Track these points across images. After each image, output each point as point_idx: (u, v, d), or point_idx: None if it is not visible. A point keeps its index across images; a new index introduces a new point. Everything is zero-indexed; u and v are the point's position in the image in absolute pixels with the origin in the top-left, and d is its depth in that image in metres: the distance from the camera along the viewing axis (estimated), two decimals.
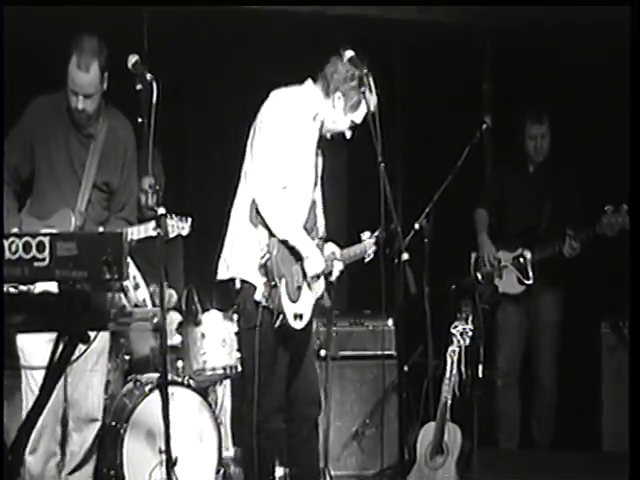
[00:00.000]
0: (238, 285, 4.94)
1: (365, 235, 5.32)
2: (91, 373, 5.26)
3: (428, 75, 7.35)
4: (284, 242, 4.89)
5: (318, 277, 5.04)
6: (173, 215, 5.22)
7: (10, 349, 5.02)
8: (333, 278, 5.17)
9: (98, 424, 5.38)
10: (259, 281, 4.86)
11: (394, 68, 7.06)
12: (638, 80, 5.25)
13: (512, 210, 6.80)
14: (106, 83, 5.03)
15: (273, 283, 4.80)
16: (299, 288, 4.96)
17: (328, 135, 5.13)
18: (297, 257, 4.95)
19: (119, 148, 5.14)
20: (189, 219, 5.37)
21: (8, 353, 4.99)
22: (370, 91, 4.92)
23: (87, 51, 4.94)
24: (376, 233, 5.23)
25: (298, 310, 4.94)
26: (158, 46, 6.43)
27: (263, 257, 4.83)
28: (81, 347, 3.88)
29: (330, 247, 5.17)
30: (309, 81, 5.09)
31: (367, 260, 5.32)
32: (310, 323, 5.08)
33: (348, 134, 5.13)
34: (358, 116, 5.04)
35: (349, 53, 4.97)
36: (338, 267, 5.17)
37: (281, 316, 4.84)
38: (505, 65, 7.56)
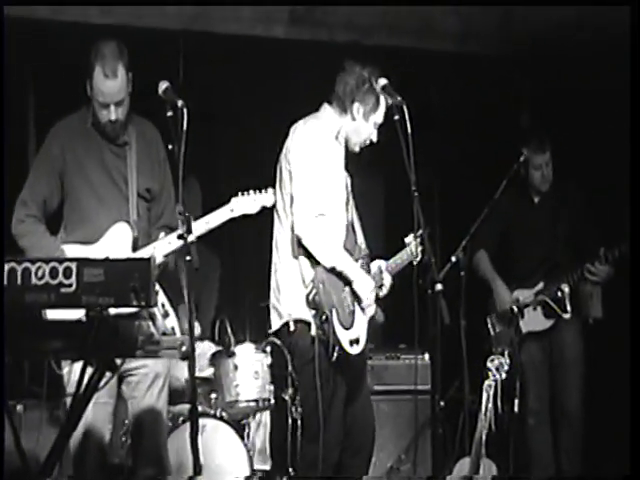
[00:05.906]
0: (292, 327, 4.92)
1: (409, 238, 5.22)
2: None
3: (464, 105, 7.31)
4: (331, 270, 4.87)
5: (372, 296, 5.00)
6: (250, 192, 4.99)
7: (48, 377, 4.92)
8: (384, 292, 5.14)
9: None
10: (312, 316, 4.84)
11: (431, 100, 7.02)
12: (638, 81, 5.19)
13: (523, 246, 6.50)
14: (131, 85, 4.86)
15: (324, 317, 4.78)
16: (351, 313, 4.93)
17: (356, 148, 5.14)
18: (345, 282, 4.93)
19: (152, 151, 4.99)
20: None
21: (45, 381, 4.91)
22: (382, 89, 4.90)
23: (109, 56, 4.76)
24: (419, 232, 5.03)
25: (353, 335, 4.92)
26: (192, 73, 6.42)
27: (310, 292, 4.82)
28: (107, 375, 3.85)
29: (376, 263, 5.15)
30: (324, 105, 5.13)
31: (416, 262, 5.18)
32: (366, 347, 5.03)
33: (374, 137, 5.14)
34: (379, 116, 5.07)
35: (349, 62, 5.03)
36: (388, 280, 5.15)
37: (337, 347, 4.81)
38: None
